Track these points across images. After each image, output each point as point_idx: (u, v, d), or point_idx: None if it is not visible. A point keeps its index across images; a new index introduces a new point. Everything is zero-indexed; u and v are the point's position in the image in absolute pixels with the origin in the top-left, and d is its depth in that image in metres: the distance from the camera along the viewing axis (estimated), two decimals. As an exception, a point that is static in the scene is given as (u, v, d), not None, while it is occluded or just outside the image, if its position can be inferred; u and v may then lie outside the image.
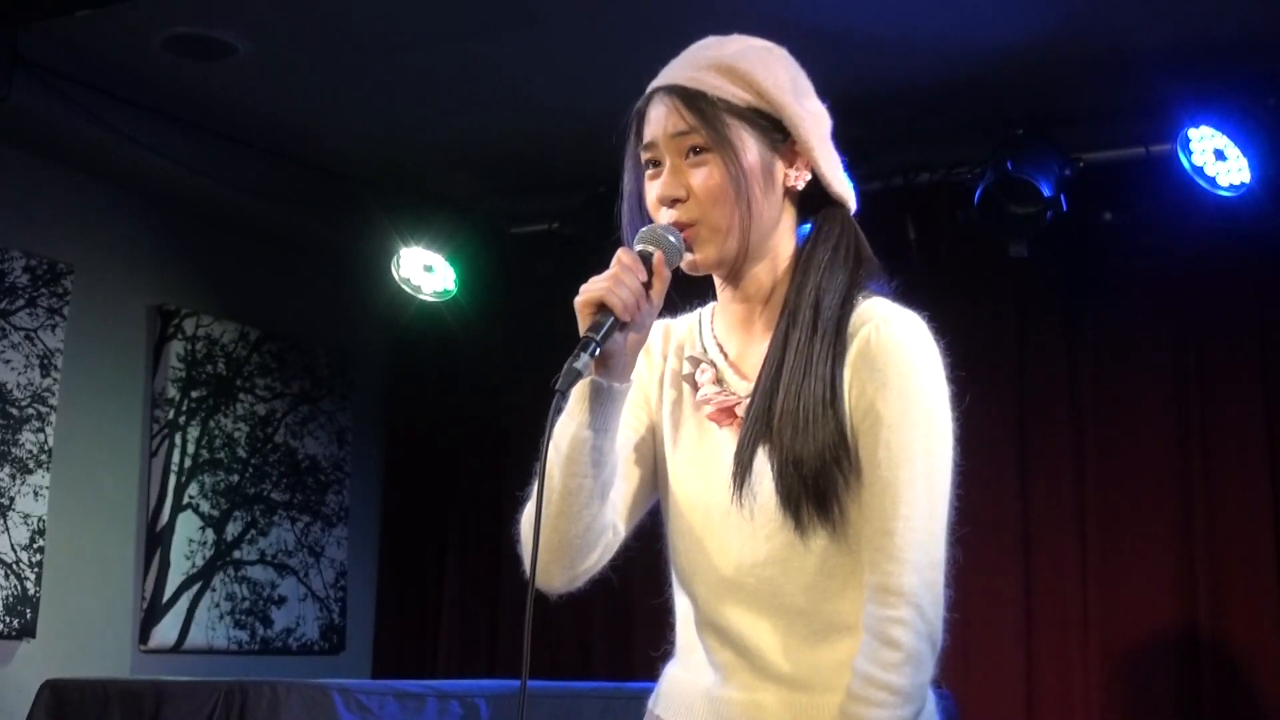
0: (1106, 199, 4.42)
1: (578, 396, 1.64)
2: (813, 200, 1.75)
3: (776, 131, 1.70)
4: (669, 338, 1.83)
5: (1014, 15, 3.80)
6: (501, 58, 4.10)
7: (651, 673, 1.88)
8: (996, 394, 4.71)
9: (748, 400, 1.68)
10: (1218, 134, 3.96)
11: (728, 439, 1.70)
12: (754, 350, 1.73)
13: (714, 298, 1.82)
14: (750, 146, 1.69)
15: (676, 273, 1.69)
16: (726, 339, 1.78)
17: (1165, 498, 4.45)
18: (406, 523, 5.78)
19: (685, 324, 1.85)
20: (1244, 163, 3.97)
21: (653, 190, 1.71)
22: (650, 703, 1.80)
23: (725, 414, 1.71)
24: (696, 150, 1.68)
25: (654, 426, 1.79)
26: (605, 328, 1.59)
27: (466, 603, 5.56)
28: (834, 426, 1.61)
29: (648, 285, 1.63)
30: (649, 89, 1.75)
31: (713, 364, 1.75)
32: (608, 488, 1.69)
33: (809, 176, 1.73)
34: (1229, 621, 4.29)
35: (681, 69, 1.73)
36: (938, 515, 1.60)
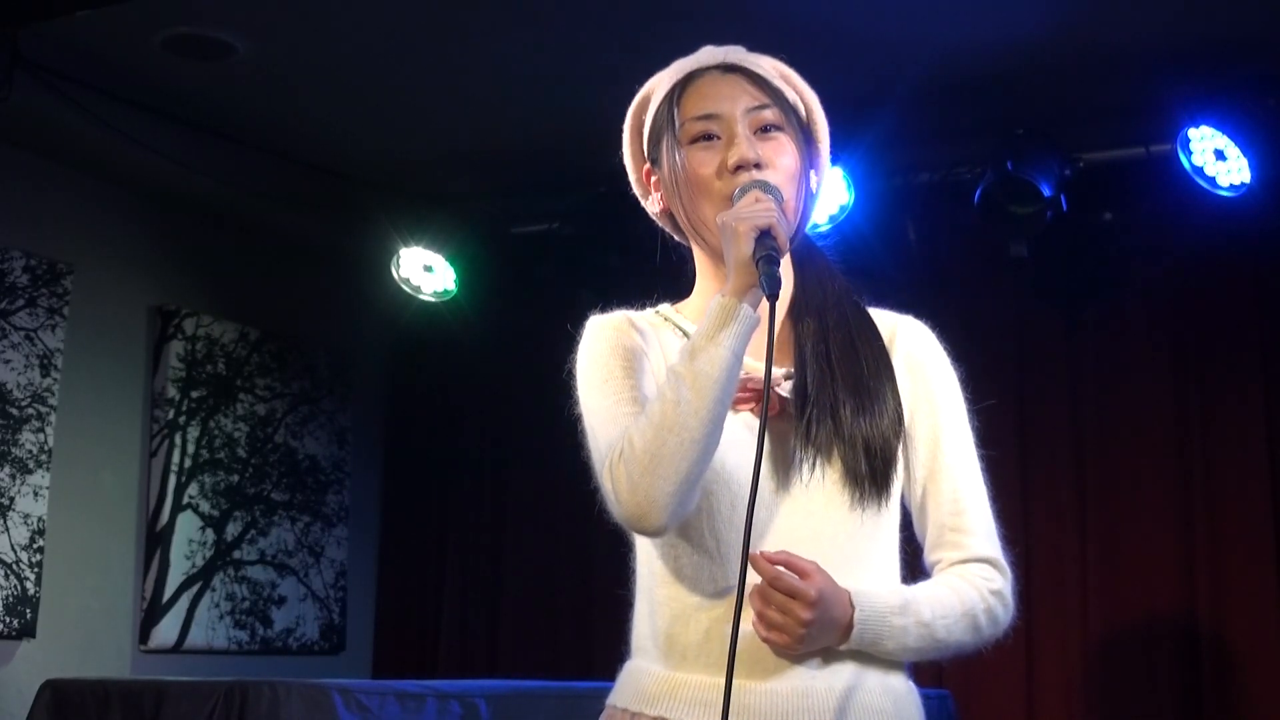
0: (1106, 199, 4.41)
1: (726, 318, 1.55)
2: None
3: (808, 140, 1.76)
4: (639, 327, 1.75)
5: (1014, 15, 3.79)
6: (502, 58, 4.10)
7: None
8: (996, 393, 4.69)
9: (788, 383, 1.67)
10: (1218, 134, 3.96)
11: (747, 419, 1.66)
12: (755, 340, 1.65)
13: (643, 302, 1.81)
14: (800, 139, 1.73)
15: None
16: None
17: (1165, 496, 4.46)
18: (406, 523, 5.78)
19: (648, 318, 1.79)
20: (1244, 163, 3.97)
21: (709, 159, 1.68)
22: (635, 705, 1.71)
23: (752, 395, 1.67)
24: (767, 128, 1.70)
25: None
26: (778, 251, 1.55)
27: (466, 603, 5.56)
28: (894, 406, 1.69)
29: None
30: (689, 69, 1.74)
31: None
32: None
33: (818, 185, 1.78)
34: (1229, 619, 4.29)
35: (737, 56, 1.75)
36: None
